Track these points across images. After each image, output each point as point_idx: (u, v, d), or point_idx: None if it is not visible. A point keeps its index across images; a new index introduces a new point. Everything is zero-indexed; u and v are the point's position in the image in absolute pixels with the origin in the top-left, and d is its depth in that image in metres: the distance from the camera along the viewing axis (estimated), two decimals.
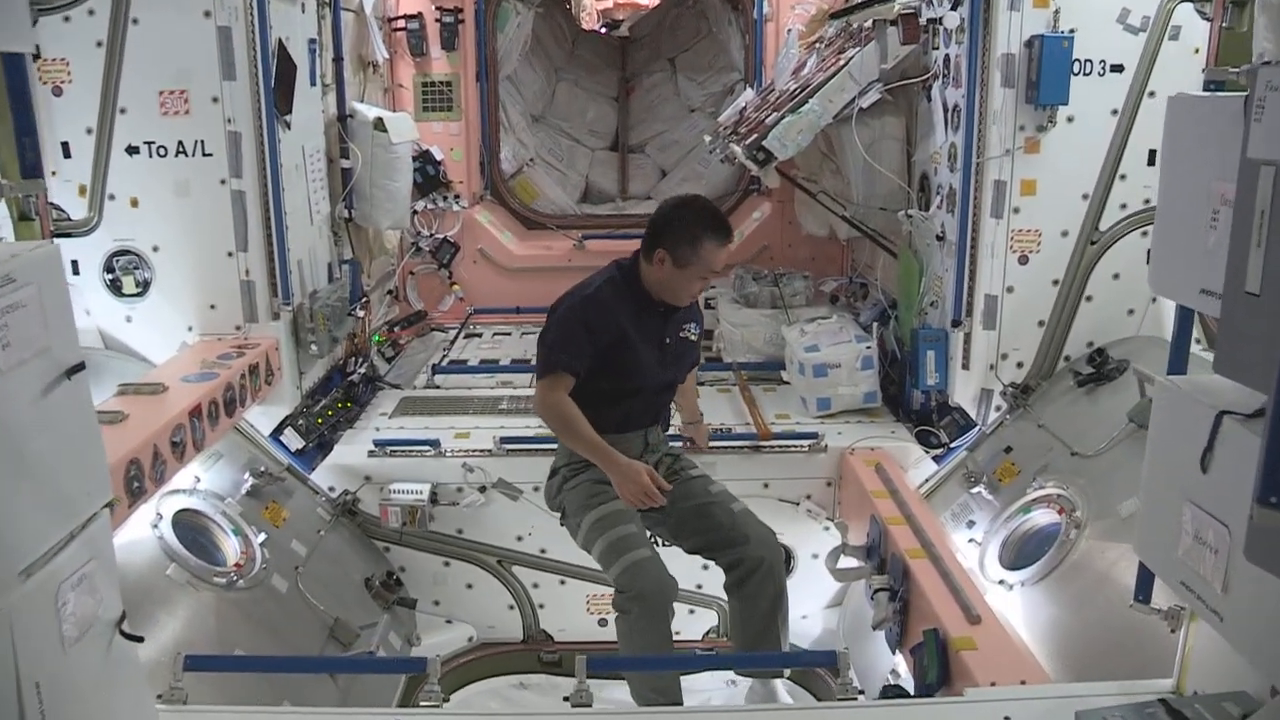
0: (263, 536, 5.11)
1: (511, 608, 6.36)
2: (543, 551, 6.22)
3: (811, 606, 6.38)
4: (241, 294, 5.72)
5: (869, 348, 6.35)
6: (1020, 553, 4.97)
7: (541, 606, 6.37)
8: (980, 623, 4.17)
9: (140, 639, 2.98)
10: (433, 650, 6.12)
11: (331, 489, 6.03)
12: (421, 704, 3.66)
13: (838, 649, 3.84)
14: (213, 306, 5.75)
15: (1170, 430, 3.00)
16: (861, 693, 3.89)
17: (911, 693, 4.29)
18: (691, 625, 6.45)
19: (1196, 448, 2.68)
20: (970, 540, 5.25)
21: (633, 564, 4.33)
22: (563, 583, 6.29)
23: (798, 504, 6.11)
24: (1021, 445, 5.51)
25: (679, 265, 4.41)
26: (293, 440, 5.97)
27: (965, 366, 5.89)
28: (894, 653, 4.86)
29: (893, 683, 5.13)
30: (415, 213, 8.49)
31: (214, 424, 4.97)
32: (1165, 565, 3.00)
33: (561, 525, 4.82)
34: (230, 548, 4.97)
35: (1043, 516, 4.98)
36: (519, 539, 6.18)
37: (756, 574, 4.57)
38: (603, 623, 6.39)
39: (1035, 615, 4.56)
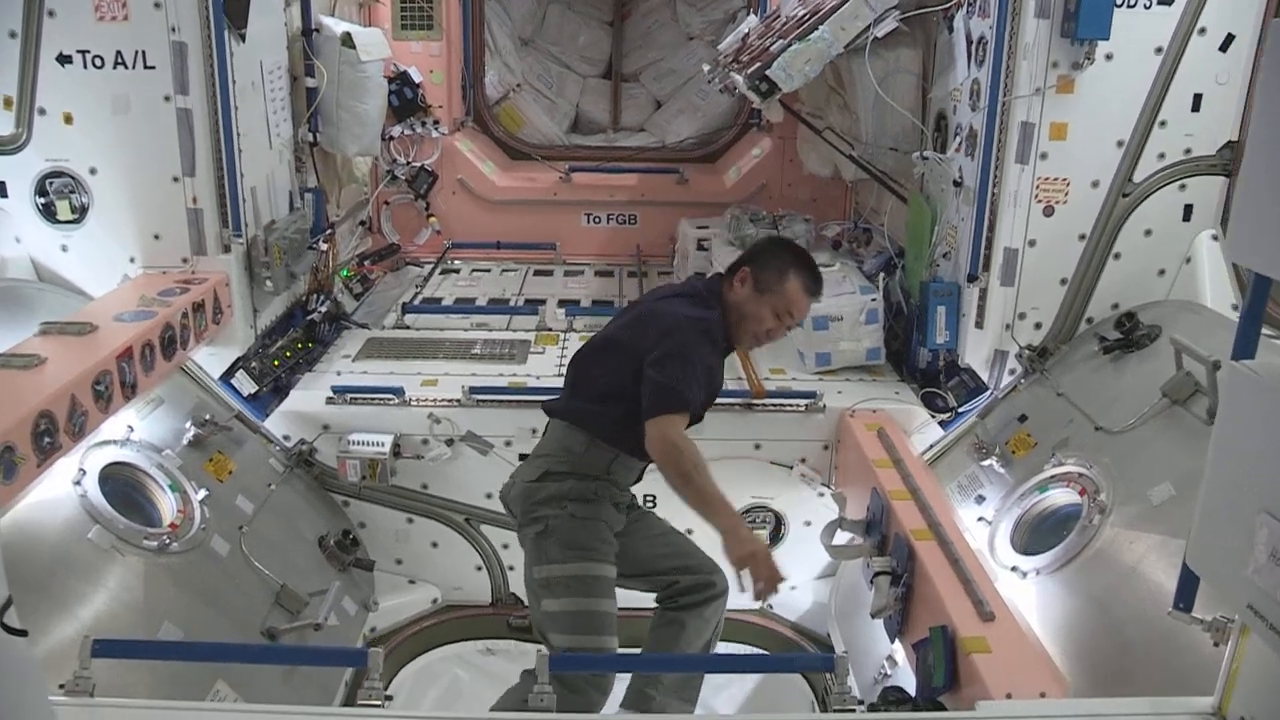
0: (203, 493, 4.62)
1: (479, 569, 5.93)
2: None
3: (801, 577, 5.97)
4: (188, 223, 5.18)
5: (874, 300, 5.86)
6: (1035, 535, 4.54)
7: (511, 569, 5.94)
8: (994, 621, 3.73)
9: (23, 633, 2.50)
10: (394, 613, 5.75)
11: (286, 438, 5.55)
12: (360, 703, 3.20)
13: (836, 653, 3.40)
14: (157, 237, 5.22)
15: (1243, 425, 2.54)
16: (861, 703, 3.47)
17: (914, 695, 3.86)
18: None
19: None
20: (980, 519, 4.81)
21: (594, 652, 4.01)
22: None
23: (791, 468, 5.66)
24: (1038, 415, 5.05)
25: (759, 289, 4.20)
26: (244, 384, 5.48)
27: (979, 325, 5.41)
28: (893, 641, 4.44)
29: (889, 674, 4.73)
30: (391, 139, 7.94)
31: (149, 368, 4.47)
32: (1225, 580, 2.58)
33: (521, 533, 4.23)
34: (166, 506, 4.49)
35: (1061, 496, 4.54)
36: (488, 496, 5.72)
37: (719, 600, 4.43)
38: None
39: (1051, 609, 4.13)
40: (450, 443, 5.54)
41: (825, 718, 3.30)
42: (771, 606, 6.02)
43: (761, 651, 6.00)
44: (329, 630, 4.87)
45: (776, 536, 5.86)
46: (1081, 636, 3.95)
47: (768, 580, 3.71)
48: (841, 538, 4.91)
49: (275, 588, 4.68)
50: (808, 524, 5.80)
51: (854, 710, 3.33)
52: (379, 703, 3.22)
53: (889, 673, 4.76)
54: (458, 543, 5.84)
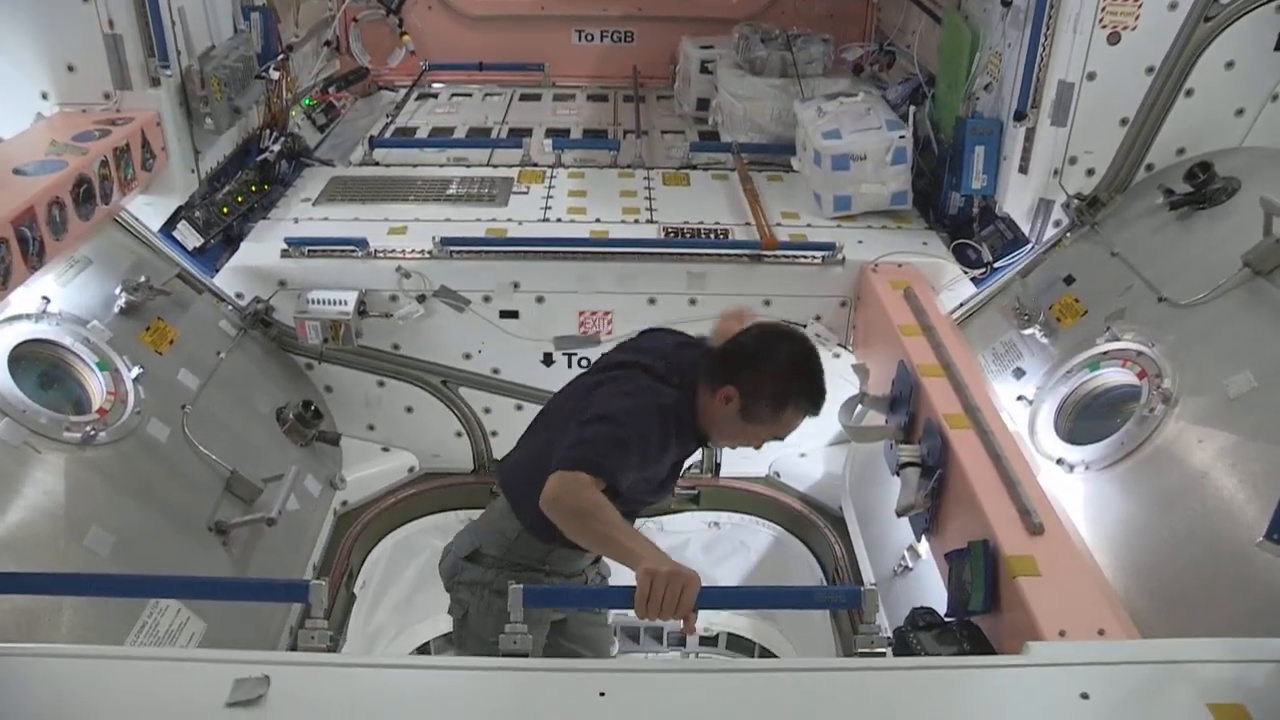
0: (137, 370, 4.04)
1: (459, 435, 5.43)
2: (495, 372, 5.24)
3: (812, 443, 5.49)
4: (106, 52, 4.42)
5: (902, 138, 5.13)
6: (1083, 421, 4.00)
7: (494, 434, 5.45)
8: (1043, 535, 3.22)
9: None
10: (367, 484, 5.29)
11: (239, 296, 4.94)
12: (303, 647, 2.71)
13: (864, 586, 2.89)
14: (71, 68, 4.46)
15: None
16: (891, 644, 3.00)
17: (944, 614, 3.38)
18: None
19: None
20: (1019, 397, 4.25)
21: None
22: (519, 408, 5.33)
23: (805, 326, 5.06)
24: (1088, 277, 4.43)
25: (746, 418, 3.21)
26: (188, 237, 4.82)
27: (1022, 170, 4.74)
28: (919, 538, 3.97)
29: (910, 567, 4.28)
30: None
31: (59, 230, 3.83)
32: None
33: (450, 614, 3.70)
34: (94, 388, 3.92)
35: (1116, 376, 3.97)
36: (466, 357, 5.18)
37: None
38: None
39: (1100, 512, 3.62)
40: (422, 299, 4.95)
41: (845, 669, 2.80)
42: (779, 475, 5.57)
43: (766, 523, 5.57)
44: (289, 518, 4.39)
45: None
46: (1135, 549, 3.45)
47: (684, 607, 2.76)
48: (863, 416, 4.37)
49: (225, 474, 4.17)
50: None
51: (883, 653, 2.84)
52: (324, 646, 2.73)
53: (910, 565, 4.30)
54: (434, 407, 5.32)
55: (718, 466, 5.59)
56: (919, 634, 3.24)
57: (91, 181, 4.03)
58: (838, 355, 5.13)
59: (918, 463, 3.85)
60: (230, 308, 4.89)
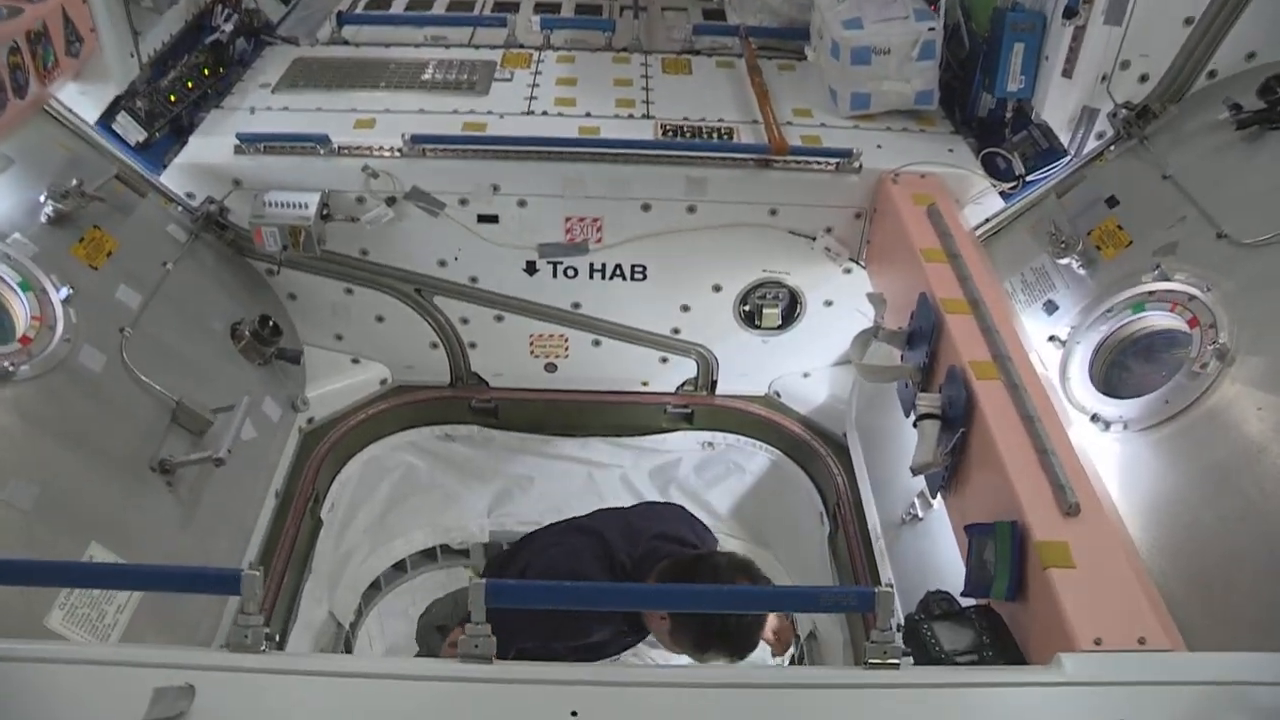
0: (67, 290, 3.59)
1: (435, 346, 5.03)
2: (473, 280, 4.81)
3: (816, 361, 5.13)
4: None
5: (931, 30, 4.54)
6: (1121, 371, 3.60)
7: (473, 346, 5.05)
8: (1079, 516, 2.84)
9: None
10: (336, 398, 4.94)
11: (190, 196, 4.45)
12: (233, 645, 2.34)
13: (878, 586, 2.52)
14: None
15: None
16: (909, 654, 2.66)
17: (961, 592, 3.03)
18: (664, 375, 5.17)
19: None
20: (1050, 338, 3.83)
21: None
22: (499, 319, 4.93)
23: (814, 239, 4.61)
24: (1135, 201, 3.95)
25: (674, 641, 3.40)
26: (130, 130, 4.29)
27: (1066, 74, 4.20)
28: (934, 495, 3.60)
29: (919, 516, 3.95)
30: None
31: None
32: None
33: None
34: (17, 313, 3.47)
35: (1163, 320, 3.55)
36: (441, 264, 4.74)
37: None
38: (550, 368, 5.12)
39: (1139, 481, 3.25)
40: (391, 201, 4.46)
41: (855, 676, 2.46)
42: (779, 395, 5.19)
43: (764, 446, 5.22)
44: (246, 448, 4.02)
45: (790, 316, 4.92)
46: (1176, 530, 3.08)
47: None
48: (877, 352, 3.96)
49: (170, 405, 3.76)
50: (828, 304, 4.87)
51: (895, 665, 2.50)
52: (259, 647, 2.37)
53: (920, 515, 3.97)
54: (407, 316, 4.91)
55: (714, 384, 5.21)
56: (933, 624, 2.90)
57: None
58: (849, 271, 4.70)
59: (938, 414, 3.45)
60: (180, 209, 4.41)
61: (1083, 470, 3.02)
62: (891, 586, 2.52)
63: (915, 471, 3.42)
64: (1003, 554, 2.88)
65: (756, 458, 5.27)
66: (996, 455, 3.06)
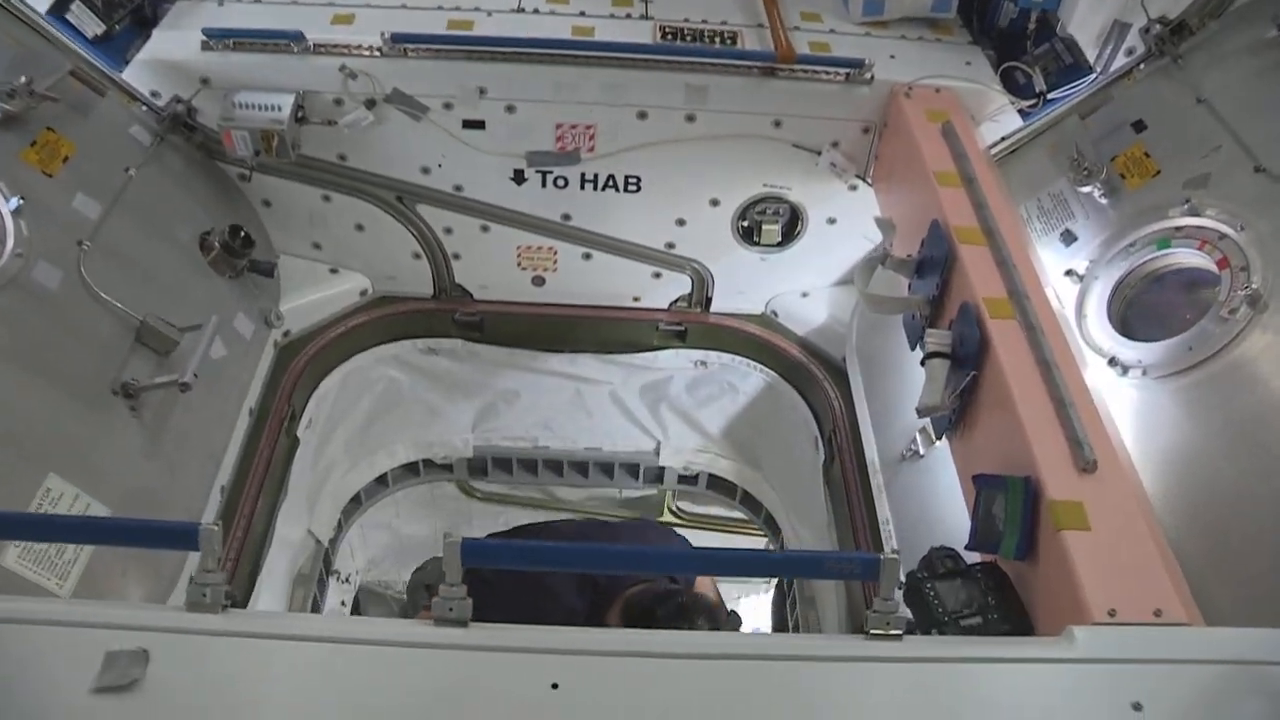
0: (17, 201, 3.32)
1: (417, 256, 4.79)
2: (458, 189, 4.54)
3: (816, 280, 4.91)
4: None
5: None
6: (1142, 311, 3.40)
7: (457, 257, 4.81)
8: (1095, 474, 2.68)
9: None
10: (314, 310, 4.74)
11: (155, 95, 4.15)
12: (191, 606, 2.18)
13: (883, 553, 2.36)
14: None
15: None
16: (911, 629, 2.51)
17: (966, 546, 2.88)
18: (657, 291, 4.96)
19: None
20: (1067, 271, 3.63)
21: None
22: (485, 229, 4.68)
23: (819, 153, 4.35)
24: (1165, 126, 3.70)
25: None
26: (86, 22, 3.97)
27: None
28: (939, 437, 3.43)
29: (921, 454, 3.79)
30: None
31: None
32: None
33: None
34: None
35: (1190, 258, 3.34)
36: (424, 171, 4.47)
37: None
38: (538, 281, 4.90)
39: (1156, 432, 3.09)
40: (371, 104, 4.18)
41: (853, 647, 2.31)
42: (776, 315, 5.00)
43: (759, 366, 5.04)
44: (215, 367, 3.82)
45: (791, 234, 4.69)
46: (1193, 485, 2.93)
47: None
48: (883, 281, 3.75)
49: (133, 324, 3.54)
50: (831, 221, 4.63)
51: (898, 636, 2.35)
52: (218, 607, 2.20)
53: (921, 453, 3.81)
54: (389, 225, 4.65)
55: (708, 300, 5.00)
56: (937, 584, 2.75)
57: None
58: (854, 188, 4.45)
59: (947, 353, 3.26)
60: (144, 109, 4.11)
61: (1100, 423, 2.84)
62: (897, 554, 2.35)
63: (921, 413, 3.24)
64: (1013, 511, 2.72)
65: (751, 378, 5.09)
66: (1010, 403, 2.88)
